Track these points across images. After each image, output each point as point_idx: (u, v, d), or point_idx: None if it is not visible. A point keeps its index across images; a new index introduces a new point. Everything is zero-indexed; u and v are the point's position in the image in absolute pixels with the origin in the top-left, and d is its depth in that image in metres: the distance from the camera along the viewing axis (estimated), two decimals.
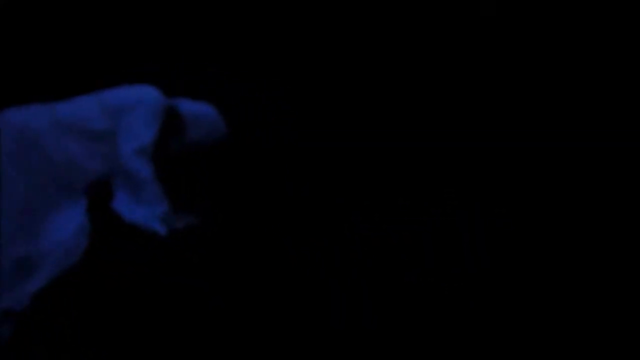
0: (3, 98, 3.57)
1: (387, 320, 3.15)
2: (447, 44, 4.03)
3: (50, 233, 3.00)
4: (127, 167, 3.03)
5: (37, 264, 2.96)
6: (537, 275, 3.31)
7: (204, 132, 3.23)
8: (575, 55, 3.95)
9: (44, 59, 4.04)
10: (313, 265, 3.32)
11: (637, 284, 3.23)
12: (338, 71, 4.03)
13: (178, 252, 3.10)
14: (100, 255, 3.03)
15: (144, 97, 3.13)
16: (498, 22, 4.01)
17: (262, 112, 3.53)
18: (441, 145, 3.83)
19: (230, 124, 3.42)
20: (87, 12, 4.11)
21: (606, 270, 3.30)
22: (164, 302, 3.08)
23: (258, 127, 3.73)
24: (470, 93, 3.96)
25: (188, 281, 3.13)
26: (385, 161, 3.80)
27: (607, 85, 3.88)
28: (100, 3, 4.12)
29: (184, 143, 3.22)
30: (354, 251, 3.41)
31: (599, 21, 3.94)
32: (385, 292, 3.26)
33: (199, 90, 3.70)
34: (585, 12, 3.95)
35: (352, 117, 3.93)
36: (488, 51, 4.00)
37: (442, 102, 3.96)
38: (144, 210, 3.01)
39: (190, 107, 3.27)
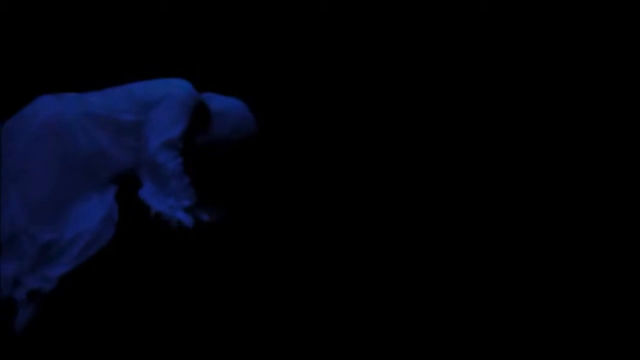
0: (4, 98, 3.58)
1: (387, 320, 3.20)
2: (447, 44, 3.99)
3: (77, 221, 3.01)
4: (154, 159, 3.02)
5: (61, 251, 2.99)
6: (537, 275, 3.35)
7: (229, 128, 3.20)
8: (576, 55, 3.91)
9: (44, 59, 4.02)
10: (313, 265, 3.37)
11: (637, 284, 3.27)
12: (338, 71, 3.99)
13: (178, 251, 3.12)
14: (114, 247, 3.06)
15: (174, 90, 3.11)
16: (498, 22, 3.96)
17: (262, 112, 3.51)
18: (441, 145, 3.84)
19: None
20: (87, 12, 4.06)
21: (606, 271, 3.34)
22: (164, 302, 3.13)
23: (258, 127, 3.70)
24: (471, 93, 3.94)
25: (188, 281, 3.17)
26: (385, 161, 3.80)
27: (607, 86, 3.85)
28: (100, 3, 4.08)
29: (209, 139, 3.19)
30: (353, 251, 3.45)
31: (599, 21, 3.91)
32: (385, 292, 3.31)
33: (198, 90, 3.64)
34: (585, 12, 3.92)
35: (352, 117, 3.91)
36: (488, 51, 3.97)
37: (442, 102, 3.94)
38: (171, 200, 3.01)
39: (219, 102, 3.24)
